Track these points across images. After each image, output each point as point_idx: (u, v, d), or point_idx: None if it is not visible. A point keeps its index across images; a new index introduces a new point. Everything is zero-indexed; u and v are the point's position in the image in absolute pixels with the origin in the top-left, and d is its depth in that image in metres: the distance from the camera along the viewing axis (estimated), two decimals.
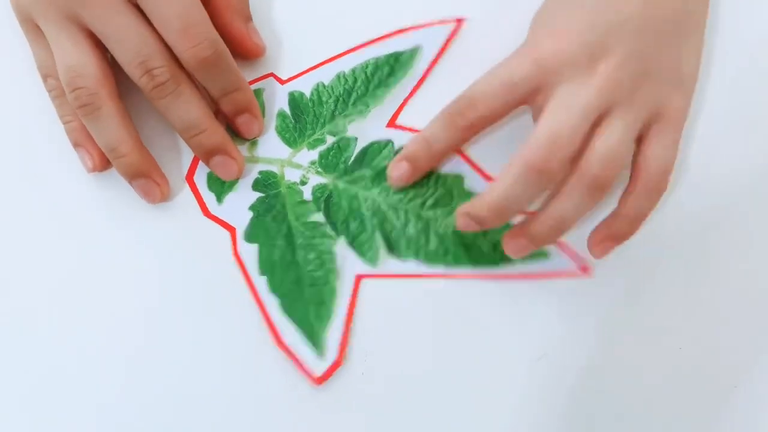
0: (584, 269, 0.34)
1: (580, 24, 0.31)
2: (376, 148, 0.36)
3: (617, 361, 0.34)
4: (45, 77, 0.34)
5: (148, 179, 0.34)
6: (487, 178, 0.35)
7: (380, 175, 0.35)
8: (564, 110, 0.30)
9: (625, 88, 0.31)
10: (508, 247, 0.33)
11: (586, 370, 0.33)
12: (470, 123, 0.32)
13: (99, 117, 0.32)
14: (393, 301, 0.34)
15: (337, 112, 0.36)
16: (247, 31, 0.35)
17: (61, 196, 0.35)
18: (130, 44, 0.31)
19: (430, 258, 0.34)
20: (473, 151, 0.36)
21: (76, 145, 0.34)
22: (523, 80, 0.31)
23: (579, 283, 0.34)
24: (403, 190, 0.35)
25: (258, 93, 0.36)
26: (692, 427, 0.33)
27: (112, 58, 0.33)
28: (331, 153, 0.36)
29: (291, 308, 0.34)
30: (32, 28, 0.33)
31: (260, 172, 0.35)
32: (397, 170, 0.34)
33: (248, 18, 0.35)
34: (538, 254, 0.34)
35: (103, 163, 0.34)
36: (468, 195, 0.35)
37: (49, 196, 0.35)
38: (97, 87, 0.32)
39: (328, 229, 0.35)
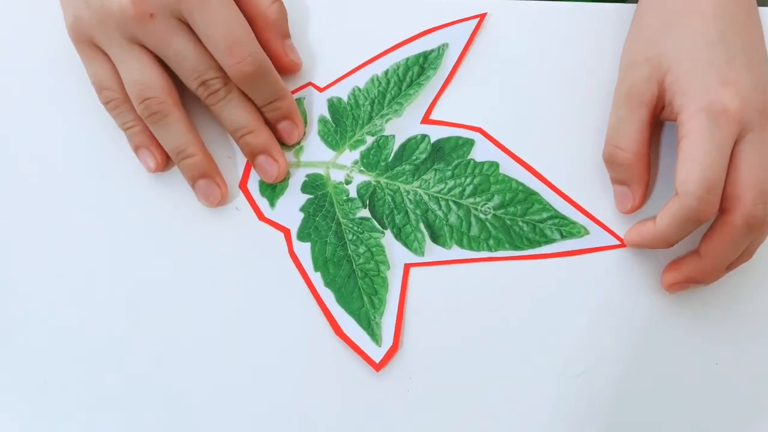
0: (623, 242, 0.36)
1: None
2: (413, 144, 0.38)
3: (653, 376, 0.36)
4: (100, 90, 0.36)
5: (210, 180, 0.37)
6: (521, 163, 0.37)
7: (419, 169, 0.37)
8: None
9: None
10: (669, 286, 0.35)
11: (622, 385, 0.35)
12: None
13: (168, 123, 0.35)
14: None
15: (373, 113, 0.38)
16: (284, 49, 0.37)
17: (121, 206, 0.38)
18: (188, 62, 0.35)
19: (473, 243, 0.36)
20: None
21: (137, 147, 0.37)
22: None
23: (616, 300, 0.36)
24: (442, 180, 0.37)
25: (299, 102, 0.38)
26: None
27: (171, 72, 0.36)
28: (372, 152, 0.38)
29: (346, 300, 0.36)
30: (88, 46, 0.36)
31: (307, 175, 0.38)
32: None
33: (286, 35, 0.38)
34: (581, 230, 0.36)
35: (165, 163, 0.37)
36: (504, 180, 0.37)
37: (110, 204, 0.38)
38: (164, 96, 0.35)
39: (375, 224, 0.37)
